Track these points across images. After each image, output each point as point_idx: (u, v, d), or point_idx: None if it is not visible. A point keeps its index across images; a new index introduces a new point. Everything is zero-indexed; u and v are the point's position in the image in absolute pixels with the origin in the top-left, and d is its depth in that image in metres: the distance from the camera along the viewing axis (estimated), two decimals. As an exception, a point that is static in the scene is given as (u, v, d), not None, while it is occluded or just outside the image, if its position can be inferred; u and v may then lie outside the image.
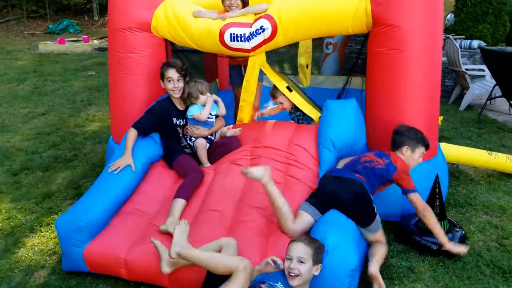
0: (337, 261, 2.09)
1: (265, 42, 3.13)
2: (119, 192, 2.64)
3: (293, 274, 1.99)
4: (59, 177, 3.93)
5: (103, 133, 5.04)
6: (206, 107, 3.15)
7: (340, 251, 2.12)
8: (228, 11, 3.26)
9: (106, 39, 12.26)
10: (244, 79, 3.38)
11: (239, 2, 3.26)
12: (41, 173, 4.01)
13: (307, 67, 5.22)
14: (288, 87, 3.41)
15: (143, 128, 3.03)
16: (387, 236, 2.66)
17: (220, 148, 3.14)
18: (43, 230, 3.04)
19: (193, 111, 3.15)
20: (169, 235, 2.38)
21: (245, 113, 3.48)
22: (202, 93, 3.13)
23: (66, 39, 11.63)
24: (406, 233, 2.79)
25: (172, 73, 3.08)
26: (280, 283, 2.03)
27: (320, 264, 2.06)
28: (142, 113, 3.30)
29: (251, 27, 3.09)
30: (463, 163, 3.71)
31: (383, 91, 2.95)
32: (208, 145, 3.20)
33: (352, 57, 3.72)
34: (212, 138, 3.26)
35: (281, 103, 3.50)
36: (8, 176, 3.96)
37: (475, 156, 3.61)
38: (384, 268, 2.49)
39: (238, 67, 3.81)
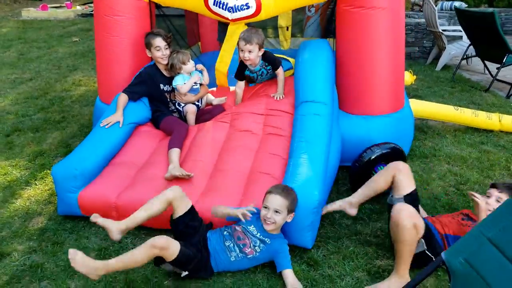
0: (303, 199, 2.34)
1: (247, 18, 3.29)
2: (110, 145, 2.87)
3: (269, 222, 2.22)
4: (49, 137, 4.11)
5: (89, 97, 5.18)
6: (188, 82, 3.31)
7: (305, 190, 2.37)
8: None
9: (90, 5, 12.11)
10: (222, 47, 3.56)
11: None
12: (32, 134, 4.19)
13: (287, 29, 5.35)
14: None
15: (134, 93, 3.21)
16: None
17: (206, 115, 3.36)
18: (37, 184, 3.25)
19: (177, 82, 3.32)
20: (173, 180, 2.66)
21: (220, 82, 3.70)
22: (183, 63, 3.28)
23: (48, 6, 11.45)
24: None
25: (159, 42, 3.25)
26: (252, 225, 2.29)
27: (293, 213, 2.26)
28: (128, 74, 3.48)
29: None
30: (431, 118, 3.97)
31: (351, 48, 3.16)
32: (196, 111, 3.40)
33: (332, 19, 3.88)
34: (199, 104, 3.46)
35: (250, 51, 3.20)
36: (0, 137, 4.13)
37: (442, 111, 3.86)
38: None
39: (227, 24, 3.95)
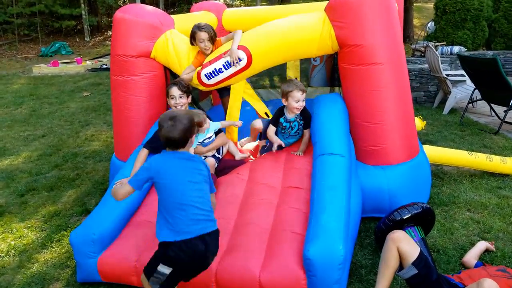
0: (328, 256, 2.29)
1: (241, 71, 3.44)
2: (128, 205, 2.85)
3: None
4: (64, 195, 4.11)
5: (103, 152, 5.23)
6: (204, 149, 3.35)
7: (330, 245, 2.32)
8: (203, 52, 3.52)
9: (99, 59, 12.53)
10: (229, 105, 3.66)
11: (210, 45, 3.50)
12: (46, 193, 4.19)
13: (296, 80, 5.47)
14: (266, 113, 3.81)
15: (154, 147, 3.22)
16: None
17: (227, 169, 3.35)
18: (54, 246, 3.21)
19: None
20: None
21: (232, 136, 3.77)
22: (199, 125, 3.25)
23: (59, 61, 11.85)
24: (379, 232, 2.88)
25: (174, 91, 3.35)
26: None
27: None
28: (144, 131, 3.54)
29: (224, 56, 3.40)
30: (446, 164, 3.96)
31: (358, 102, 3.23)
32: (216, 164, 3.40)
33: (335, 68, 4.01)
34: (219, 156, 3.48)
35: (303, 100, 3.37)
36: (15, 197, 4.13)
37: (456, 156, 3.86)
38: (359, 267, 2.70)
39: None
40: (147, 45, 3.51)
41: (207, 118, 3.43)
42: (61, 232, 3.39)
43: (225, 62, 3.41)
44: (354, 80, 3.21)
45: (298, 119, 3.48)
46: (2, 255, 3.17)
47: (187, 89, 3.41)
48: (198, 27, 3.48)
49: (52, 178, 4.52)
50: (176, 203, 2.08)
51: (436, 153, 3.80)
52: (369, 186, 3.14)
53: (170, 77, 3.83)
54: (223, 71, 3.45)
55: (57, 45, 14.51)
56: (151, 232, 2.74)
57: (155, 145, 3.23)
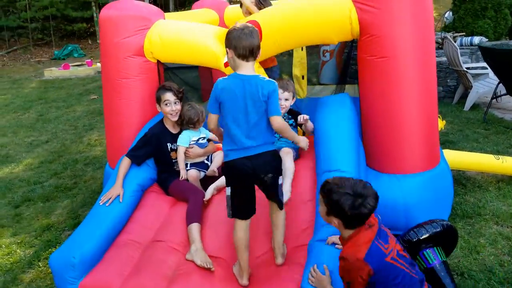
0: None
1: None
2: (112, 224, 2.59)
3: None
4: (59, 207, 3.92)
5: (103, 158, 5.03)
6: (179, 157, 3.05)
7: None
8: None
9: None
10: None
11: (255, 9, 3.42)
12: (42, 204, 4.01)
13: (302, 78, 5.14)
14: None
15: (137, 156, 2.99)
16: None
17: (213, 179, 3.06)
18: (41, 265, 3.00)
19: (181, 142, 3.08)
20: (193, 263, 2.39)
21: None
22: (203, 118, 3.07)
23: (70, 64, 11.80)
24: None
25: (169, 96, 3.05)
26: None
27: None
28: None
29: None
30: (469, 170, 3.59)
31: (377, 99, 2.87)
32: (203, 174, 3.12)
33: (348, 63, 3.64)
34: (208, 163, 3.20)
35: (287, 99, 3.10)
36: (10, 209, 3.97)
37: (481, 162, 3.47)
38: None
39: None
40: (138, 39, 3.25)
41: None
42: (50, 249, 3.18)
43: None
44: (374, 74, 2.84)
45: (286, 119, 3.14)
46: (-13, 274, 2.99)
47: (182, 95, 3.13)
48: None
49: (49, 187, 4.34)
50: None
51: (458, 159, 3.42)
52: (381, 198, 2.73)
53: (169, 81, 3.57)
54: None
55: (69, 48, 14.49)
56: (137, 254, 2.50)
57: (137, 153, 2.98)
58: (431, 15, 2.89)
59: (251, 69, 2.24)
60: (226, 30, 3.36)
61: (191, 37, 3.24)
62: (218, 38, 3.26)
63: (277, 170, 2.28)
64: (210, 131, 2.46)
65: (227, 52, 2.27)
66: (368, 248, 1.81)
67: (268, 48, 3.06)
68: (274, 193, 2.27)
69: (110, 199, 2.69)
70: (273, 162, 2.26)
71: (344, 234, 1.92)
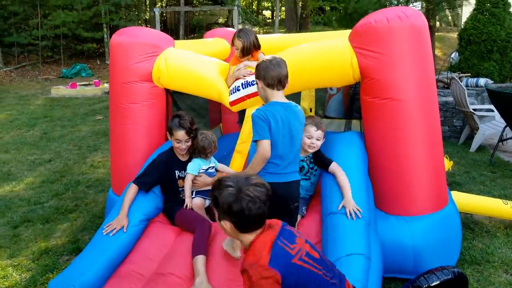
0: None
1: (256, 94, 3.14)
2: (115, 253, 2.53)
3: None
4: (58, 229, 3.85)
5: (106, 181, 4.99)
6: (187, 184, 3.01)
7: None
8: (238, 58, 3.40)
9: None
10: (242, 129, 3.36)
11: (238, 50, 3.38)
12: (41, 225, 3.94)
13: (310, 110, 5.17)
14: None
15: (145, 183, 2.95)
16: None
17: None
18: (36, 291, 2.92)
19: (190, 169, 3.05)
20: None
21: (236, 164, 3.40)
22: (215, 147, 3.05)
23: (77, 83, 11.90)
24: None
25: (181, 135, 2.98)
26: None
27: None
28: (142, 164, 3.25)
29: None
30: (478, 213, 3.54)
31: (381, 140, 2.88)
32: (208, 202, 3.08)
33: (355, 98, 3.67)
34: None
35: (319, 139, 2.96)
36: (8, 229, 3.89)
37: (489, 206, 3.43)
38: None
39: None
40: (147, 66, 3.28)
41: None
42: (47, 274, 3.10)
43: (244, 81, 3.19)
44: (377, 116, 2.87)
45: (307, 161, 3.04)
46: (-19, 298, 2.90)
47: (194, 134, 3.08)
48: (238, 32, 3.45)
49: (49, 209, 4.28)
50: None
51: (466, 201, 3.39)
52: (390, 240, 2.74)
53: (172, 106, 3.58)
54: (240, 90, 3.21)
55: (77, 67, 14.67)
56: (139, 286, 2.43)
57: (145, 180, 2.94)
58: (430, 56, 2.93)
59: (281, 98, 2.36)
60: (227, 65, 3.47)
61: (196, 69, 3.30)
62: (221, 73, 3.32)
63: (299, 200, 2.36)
64: (265, 159, 2.35)
65: (257, 83, 2.35)
66: (270, 252, 1.61)
67: None
68: (292, 222, 2.26)
69: (114, 230, 2.64)
70: (298, 191, 2.35)
71: (244, 242, 1.74)
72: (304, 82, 3.11)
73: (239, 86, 3.23)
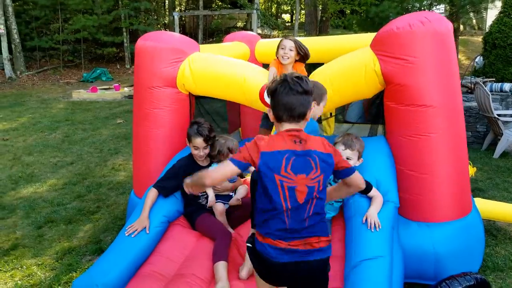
0: None
1: None
2: (136, 254, 2.57)
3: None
4: (81, 230, 3.92)
5: (127, 184, 5.06)
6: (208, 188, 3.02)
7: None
8: (281, 61, 3.29)
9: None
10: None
11: (292, 54, 3.24)
12: (64, 226, 4.02)
13: (330, 115, 5.15)
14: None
15: (165, 188, 2.98)
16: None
17: (238, 211, 3.04)
18: (61, 290, 2.98)
19: None
20: None
21: None
22: (231, 152, 3.04)
23: (98, 87, 12.13)
24: None
25: (199, 143, 3.00)
26: None
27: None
28: (164, 167, 3.30)
29: None
30: (501, 220, 3.47)
31: (405, 146, 2.85)
32: (227, 205, 3.11)
33: (376, 102, 3.63)
34: (232, 194, 3.18)
35: (348, 158, 2.74)
36: (32, 229, 3.99)
37: (513, 212, 3.36)
38: None
39: None
40: (172, 71, 3.31)
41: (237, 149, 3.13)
42: (71, 274, 3.16)
43: None
44: (401, 122, 2.85)
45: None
46: (7, 295, 2.97)
47: (213, 140, 3.10)
48: (285, 36, 3.35)
49: (72, 210, 4.37)
50: None
51: (489, 208, 3.33)
52: (412, 246, 2.71)
53: (195, 110, 3.62)
54: None
55: (98, 71, 14.98)
56: (160, 285, 2.45)
57: (165, 185, 2.97)
58: (455, 61, 2.90)
59: None
60: (256, 66, 3.42)
61: (226, 71, 3.29)
62: (261, 73, 3.30)
63: None
64: None
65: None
66: (271, 149, 1.73)
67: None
68: None
69: (136, 231, 2.67)
70: None
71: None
72: (340, 98, 3.12)
73: None
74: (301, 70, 3.30)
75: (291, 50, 3.23)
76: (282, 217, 1.71)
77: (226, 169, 1.79)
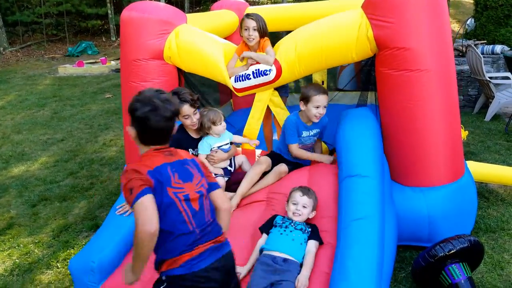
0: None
1: (269, 83, 3.16)
2: (130, 228, 2.55)
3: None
4: (76, 207, 3.91)
5: (119, 159, 5.03)
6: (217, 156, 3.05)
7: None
8: (247, 43, 3.20)
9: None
10: (250, 114, 3.35)
11: (257, 34, 3.16)
12: (58, 203, 4.00)
13: (322, 83, 5.10)
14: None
15: None
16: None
17: (236, 184, 3.03)
18: (59, 266, 3.00)
19: (201, 150, 3.04)
20: None
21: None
22: (214, 123, 2.99)
23: (84, 62, 11.85)
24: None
25: (187, 110, 2.90)
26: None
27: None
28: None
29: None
30: (493, 182, 3.52)
31: (398, 112, 2.82)
32: (226, 178, 3.09)
33: (367, 69, 3.56)
34: (231, 169, 3.16)
35: (304, 206, 2.53)
36: (26, 208, 3.97)
37: (505, 174, 3.41)
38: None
39: None
40: (158, 43, 3.21)
41: (223, 122, 3.09)
42: (68, 250, 3.18)
43: (256, 70, 3.12)
44: (394, 88, 2.80)
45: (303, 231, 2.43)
46: (6, 274, 2.98)
47: (198, 103, 3.01)
48: (246, 15, 3.20)
49: (65, 187, 4.35)
50: None
51: (481, 171, 3.37)
52: (406, 210, 2.75)
53: (185, 83, 3.54)
54: (250, 79, 3.15)
55: (83, 45, 14.57)
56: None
57: None
58: (448, 25, 2.84)
59: None
60: (234, 46, 3.36)
61: (204, 49, 3.20)
62: (225, 54, 3.23)
63: None
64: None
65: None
66: (154, 168, 1.63)
67: (288, 77, 3.14)
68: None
69: (127, 211, 2.67)
70: None
71: (139, 152, 1.76)
72: (322, 62, 3.03)
73: (249, 75, 3.15)
74: (267, 45, 3.19)
75: (254, 29, 3.15)
76: (187, 227, 1.66)
77: (145, 208, 1.55)
